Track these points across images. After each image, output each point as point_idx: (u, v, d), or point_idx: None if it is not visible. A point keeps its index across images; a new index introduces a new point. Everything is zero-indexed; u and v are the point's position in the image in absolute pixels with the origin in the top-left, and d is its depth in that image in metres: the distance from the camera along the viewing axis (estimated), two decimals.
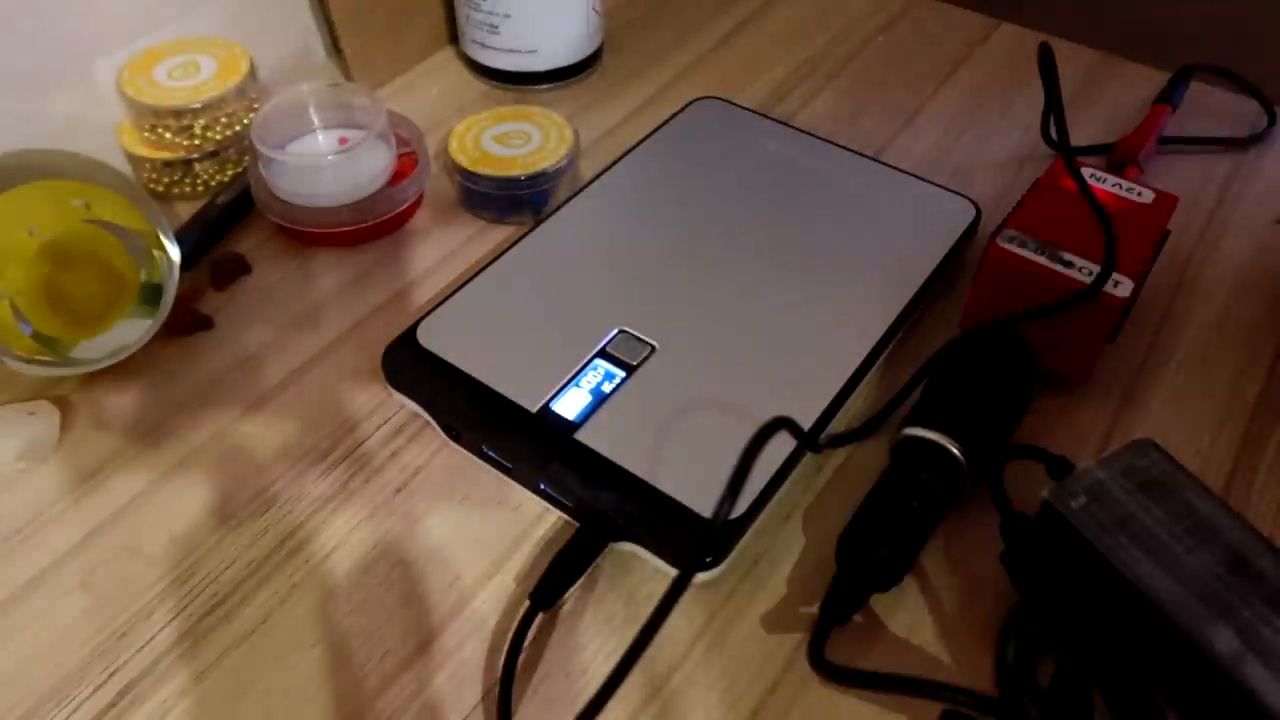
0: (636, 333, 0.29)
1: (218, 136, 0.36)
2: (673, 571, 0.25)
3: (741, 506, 0.25)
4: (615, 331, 0.29)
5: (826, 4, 0.49)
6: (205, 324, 0.32)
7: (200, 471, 0.28)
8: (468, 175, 0.35)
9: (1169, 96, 0.41)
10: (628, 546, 0.26)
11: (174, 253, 0.30)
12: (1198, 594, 0.22)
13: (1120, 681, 0.22)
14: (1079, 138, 0.40)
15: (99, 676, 0.24)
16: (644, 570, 0.26)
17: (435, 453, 0.29)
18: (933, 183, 0.35)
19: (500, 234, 0.36)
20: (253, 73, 0.37)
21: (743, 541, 0.25)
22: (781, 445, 0.26)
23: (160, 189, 0.37)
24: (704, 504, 0.25)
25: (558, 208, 0.34)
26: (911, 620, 0.25)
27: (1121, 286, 0.27)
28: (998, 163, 0.39)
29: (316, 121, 0.37)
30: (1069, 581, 0.24)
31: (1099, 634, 0.23)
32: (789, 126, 0.37)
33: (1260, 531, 0.23)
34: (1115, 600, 0.23)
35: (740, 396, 0.27)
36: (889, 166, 0.35)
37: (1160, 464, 0.24)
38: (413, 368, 0.29)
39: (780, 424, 0.21)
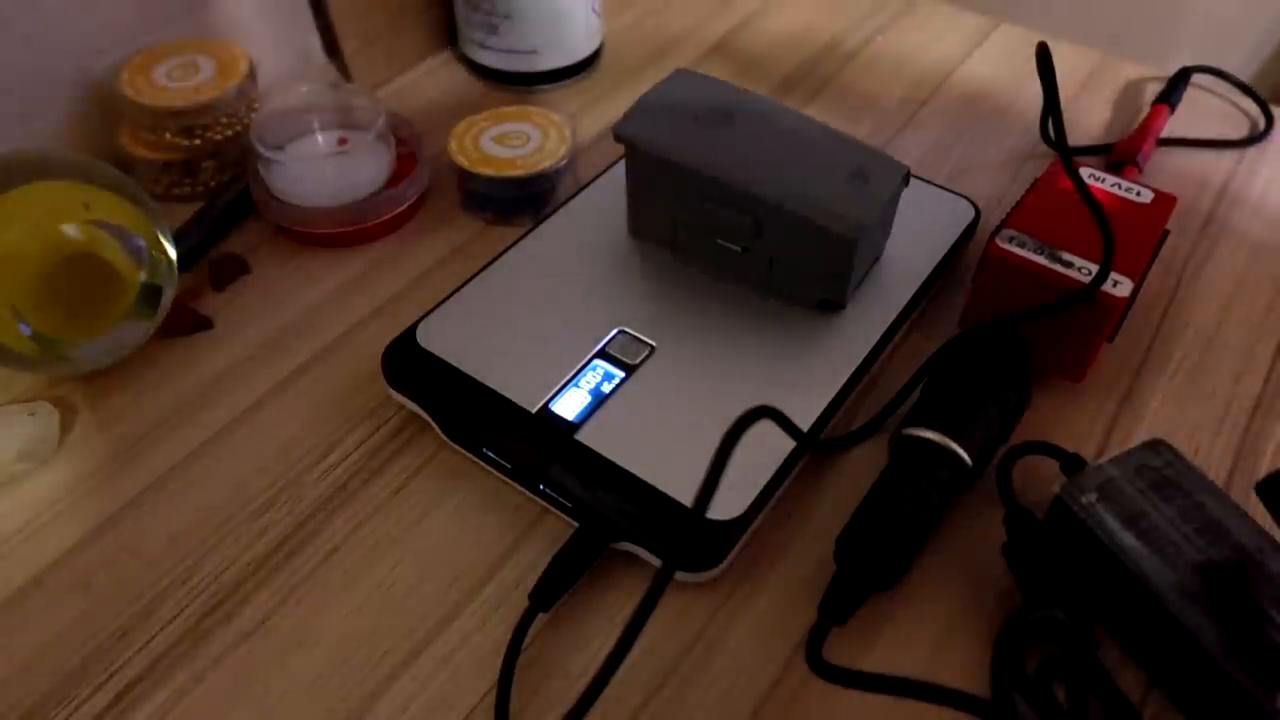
0: (636, 333, 0.29)
1: (217, 137, 0.36)
2: (675, 571, 0.25)
3: (741, 506, 0.25)
4: (615, 332, 0.29)
5: (826, 4, 0.49)
6: (204, 324, 0.32)
7: (199, 472, 0.28)
8: (467, 176, 0.35)
9: (1168, 97, 0.41)
10: (627, 546, 0.26)
11: (173, 253, 0.30)
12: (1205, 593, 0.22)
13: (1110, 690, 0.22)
14: (1078, 138, 0.40)
15: (99, 676, 0.24)
16: (644, 570, 0.26)
17: (434, 453, 0.29)
18: (932, 183, 0.35)
19: (500, 234, 0.36)
20: (252, 74, 0.36)
21: (742, 541, 0.25)
22: (780, 445, 0.26)
23: (160, 190, 0.37)
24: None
25: (557, 208, 0.34)
26: (911, 620, 0.25)
27: (1120, 286, 0.27)
28: (997, 163, 0.39)
29: (316, 122, 0.37)
30: (1076, 578, 0.24)
31: (1104, 627, 0.23)
32: None
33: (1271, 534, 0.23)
34: (1122, 596, 0.23)
35: (740, 396, 0.27)
36: None
37: (1174, 464, 0.24)
38: (412, 368, 0.28)
39: (762, 413, 0.20)
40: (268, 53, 0.40)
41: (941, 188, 0.35)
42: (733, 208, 0.29)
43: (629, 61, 0.45)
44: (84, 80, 0.35)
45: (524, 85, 0.43)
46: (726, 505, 0.25)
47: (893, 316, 0.30)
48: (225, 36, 0.38)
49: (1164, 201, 0.30)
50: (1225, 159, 0.39)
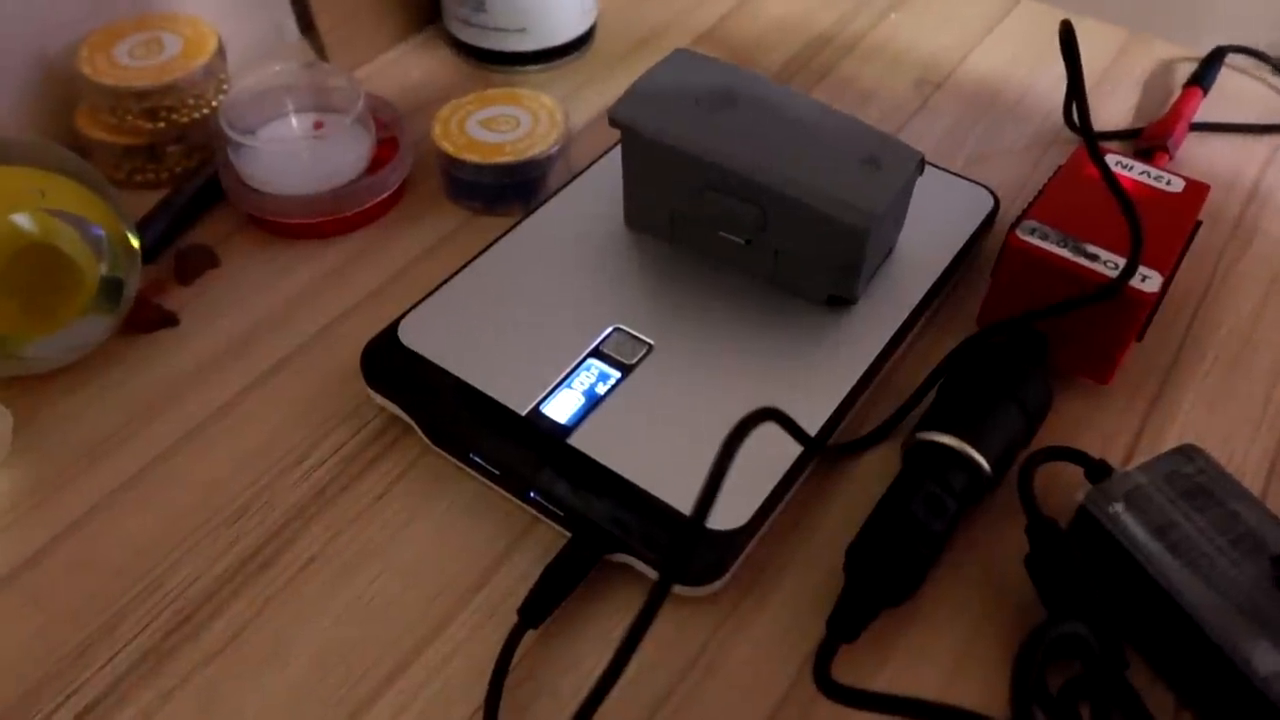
0: (632, 330, 0.28)
1: (183, 120, 0.35)
2: (675, 585, 0.24)
3: (744, 516, 0.24)
4: (610, 329, 0.28)
5: None
6: (170, 321, 0.32)
7: (165, 478, 0.28)
8: (453, 163, 0.34)
9: (1200, 79, 0.40)
10: (623, 558, 0.25)
11: (136, 244, 0.29)
12: (1239, 608, 0.22)
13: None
14: (1104, 122, 0.40)
15: (57, 697, 0.23)
16: (640, 583, 0.25)
17: (418, 458, 0.28)
18: (948, 171, 0.34)
19: (488, 225, 0.35)
20: (221, 52, 0.36)
21: (745, 553, 0.25)
22: (786, 450, 0.26)
23: (121, 176, 0.36)
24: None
25: (549, 197, 0.33)
26: (926, 637, 0.24)
27: (1149, 281, 0.27)
28: (1017, 149, 0.39)
29: (290, 105, 0.36)
30: (1102, 592, 0.23)
31: (1133, 645, 0.22)
32: None
33: None
34: (1151, 612, 0.23)
35: (744, 399, 0.27)
36: None
37: (1206, 471, 0.24)
38: (394, 368, 0.28)
39: (766, 415, 0.20)
40: (238, 29, 0.39)
41: (958, 176, 0.34)
42: (736, 197, 0.28)
43: (625, 41, 0.44)
44: (39, 59, 0.35)
45: (513, 66, 0.42)
46: (728, 514, 0.24)
47: (906, 313, 0.29)
48: (192, 12, 0.37)
49: (1196, 191, 0.30)
50: (1261, 145, 0.39)
